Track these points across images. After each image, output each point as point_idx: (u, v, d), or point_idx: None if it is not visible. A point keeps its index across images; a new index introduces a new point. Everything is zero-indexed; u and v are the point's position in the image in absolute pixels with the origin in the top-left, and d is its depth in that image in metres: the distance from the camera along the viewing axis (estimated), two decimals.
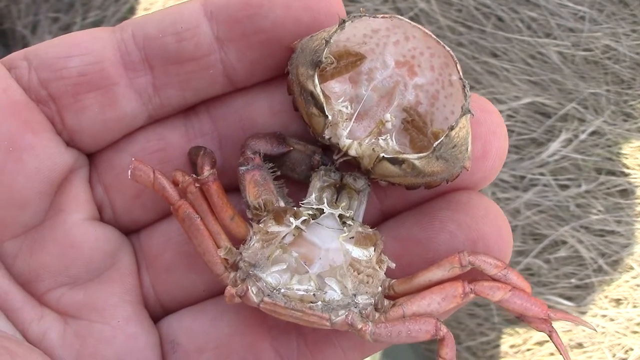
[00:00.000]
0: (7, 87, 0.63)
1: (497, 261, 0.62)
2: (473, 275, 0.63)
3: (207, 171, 0.64)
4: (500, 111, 1.70)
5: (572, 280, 1.64)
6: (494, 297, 0.62)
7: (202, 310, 0.69)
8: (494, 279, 0.62)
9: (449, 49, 0.62)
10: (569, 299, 1.63)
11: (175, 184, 0.65)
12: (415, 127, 0.66)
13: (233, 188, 0.68)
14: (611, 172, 1.71)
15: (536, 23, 1.79)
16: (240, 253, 0.64)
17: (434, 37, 0.63)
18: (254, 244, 0.64)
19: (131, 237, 0.71)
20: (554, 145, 1.70)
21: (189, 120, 0.69)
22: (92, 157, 0.70)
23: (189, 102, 0.68)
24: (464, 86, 0.61)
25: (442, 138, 0.59)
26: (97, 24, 1.78)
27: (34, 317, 0.65)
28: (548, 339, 1.49)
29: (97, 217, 0.69)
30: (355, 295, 0.61)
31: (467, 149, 0.62)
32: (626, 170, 1.71)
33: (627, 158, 1.72)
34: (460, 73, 0.61)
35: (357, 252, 0.62)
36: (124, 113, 0.66)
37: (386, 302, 0.64)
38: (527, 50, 1.77)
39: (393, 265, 0.64)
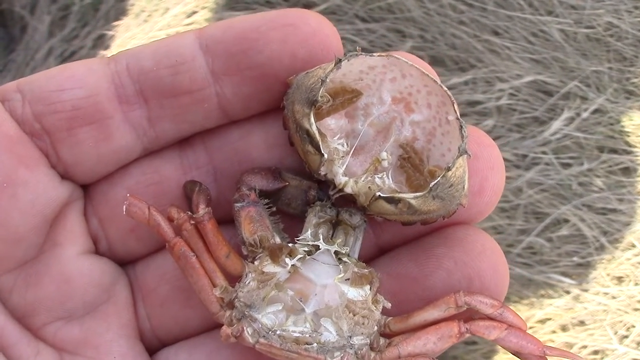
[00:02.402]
0: (1, 122, 0.63)
1: (493, 301, 0.62)
2: (469, 312, 0.63)
3: (202, 209, 0.64)
4: (502, 90, 1.70)
5: (574, 259, 1.64)
6: (490, 336, 0.62)
7: (198, 345, 0.69)
8: (489, 318, 0.62)
9: (446, 88, 0.61)
10: (570, 276, 1.63)
11: (170, 220, 0.64)
12: (411, 164, 0.65)
13: (228, 221, 0.67)
14: (613, 150, 1.70)
15: (538, 0, 1.77)
16: (236, 291, 0.64)
17: (431, 76, 0.62)
18: (249, 283, 0.63)
19: (127, 268, 0.71)
20: (556, 124, 1.69)
21: (184, 152, 0.69)
22: (87, 188, 0.69)
23: (184, 134, 0.68)
24: (461, 126, 0.60)
25: (439, 178, 0.59)
26: (95, 4, 1.77)
27: (30, 353, 0.65)
28: (550, 317, 1.50)
29: (92, 250, 0.69)
30: (350, 337, 0.61)
31: (463, 187, 0.61)
32: (628, 148, 1.70)
33: (629, 136, 1.71)
34: (458, 113, 0.61)
35: (353, 293, 0.62)
36: (119, 146, 0.66)
37: (382, 340, 0.64)
38: (529, 28, 1.76)
39: (389, 305, 0.64)
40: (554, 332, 1.61)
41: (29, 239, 0.64)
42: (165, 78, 0.64)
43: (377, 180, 0.64)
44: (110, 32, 1.76)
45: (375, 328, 0.63)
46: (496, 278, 0.65)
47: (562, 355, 0.64)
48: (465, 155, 0.60)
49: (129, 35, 1.75)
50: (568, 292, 1.62)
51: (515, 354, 0.63)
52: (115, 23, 1.77)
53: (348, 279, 0.63)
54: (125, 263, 0.71)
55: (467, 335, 0.62)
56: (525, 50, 1.74)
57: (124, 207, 0.63)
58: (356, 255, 0.66)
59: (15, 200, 0.63)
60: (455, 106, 0.61)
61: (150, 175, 0.69)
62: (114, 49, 1.73)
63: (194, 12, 1.77)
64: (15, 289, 0.65)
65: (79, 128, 0.64)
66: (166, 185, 0.69)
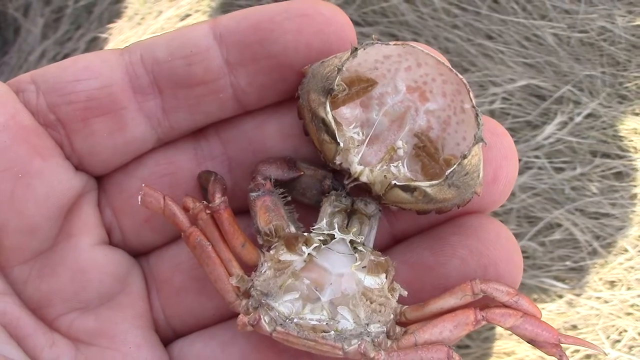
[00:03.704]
0: (16, 113, 0.63)
1: (508, 288, 0.62)
2: (484, 301, 0.63)
3: (218, 199, 0.64)
4: (495, 94, 1.70)
5: (567, 263, 1.64)
6: (506, 324, 0.62)
7: (213, 335, 0.69)
8: (505, 306, 0.62)
9: (461, 76, 0.62)
10: (563, 281, 1.63)
11: (185, 210, 0.65)
12: (426, 153, 0.66)
13: (243, 211, 0.67)
14: (606, 155, 1.71)
15: (531, 5, 1.78)
16: (252, 280, 0.64)
17: (447, 64, 0.62)
18: (265, 272, 0.63)
19: (140, 259, 0.71)
20: (549, 128, 1.70)
21: (199, 143, 0.69)
22: (101, 179, 0.69)
23: (198, 125, 0.68)
24: (477, 114, 0.60)
25: (455, 166, 0.59)
26: (89, 7, 1.77)
27: (45, 343, 0.64)
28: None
29: (106, 241, 0.69)
30: (367, 325, 0.61)
31: (478, 176, 0.62)
32: (621, 153, 1.71)
33: (622, 140, 1.72)
34: (473, 101, 0.61)
35: (370, 281, 0.62)
36: (133, 137, 0.66)
37: (398, 329, 0.64)
38: (523, 32, 1.76)
39: (405, 293, 0.64)
40: None
41: (43, 230, 0.64)
42: (179, 68, 0.64)
43: (392, 169, 0.64)
44: (104, 35, 1.75)
45: (392, 316, 0.64)
46: (511, 266, 0.65)
47: (577, 343, 0.64)
48: (481, 144, 0.60)
49: (122, 38, 1.75)
50: (561, 297, 1.62)
51: (530, 342, 0.63)
52: (109, 26, 1.76)
53: (365, 267, 0.63)
54: (139, 254, 0.71)
55: (484, 322, 0.62)
56: (519, 54, 1.74)
57: (139, 197, 0.64)
58: (371, 244, 0.66)
59: (30, 190, 0.63)
60: (471, 94, 0.62)
61: (164, 165, 0.69)
62: None
63: (188, 16, 1.77)
64: (30, 280, 0.65)
65: (93, 119, 0.64)
66: (180, 176, 0.69)
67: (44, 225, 0.64)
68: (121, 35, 1.75)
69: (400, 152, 0.66)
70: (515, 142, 1.65)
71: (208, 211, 0.64)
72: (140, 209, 0.65)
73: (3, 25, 1.78)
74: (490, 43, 1.75)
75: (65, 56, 1.72)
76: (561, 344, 0.63)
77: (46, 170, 0.63)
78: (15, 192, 0.62)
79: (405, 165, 0.65)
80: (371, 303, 0.62)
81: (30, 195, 0.63)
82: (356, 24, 1.75)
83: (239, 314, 0.64)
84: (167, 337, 0.71)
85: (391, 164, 0.65)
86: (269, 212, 0.65)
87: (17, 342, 0.63)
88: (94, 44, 1.74)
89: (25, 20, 1.76)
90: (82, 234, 0.67)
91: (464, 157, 0.59)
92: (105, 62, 0.65)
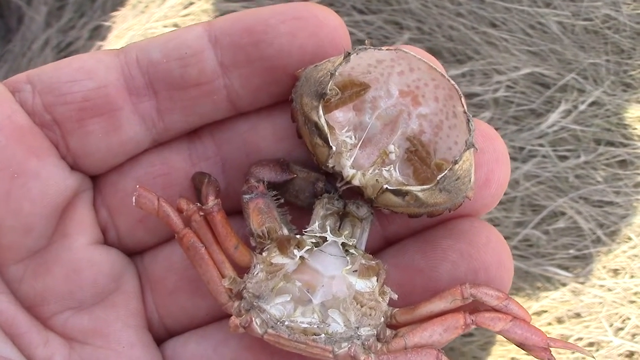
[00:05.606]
0: (12, 113, 0.63)
1: (498, 293, 0.62)
2: (474, 304, 0.63)
3: (211, 201, 0.64)
4: (499, 82, 1.70)
5: (571, 251, 1.64)
6: (495, 328, 0.62)
7: (206, 335, 0.70)
8: (495, 309, 0.63)
9: (453, 82, 0.62)
10: (567, 269, 1.63)
11: (179, 211, 0.65)
12: (418, 157, 0.66)
13: (236, 212, 0.68)
14: (610, 143, 1.70)
15: None
16: (244, 282, 0.64)
17: (439, 70, 0.63)
18: (257, 274, 0.64)
19: (135, 259, 0.72)
20: (553, 116, 1.69)
21: (193, 144, 0.69)
22: (96, 179, 0.70)
23: (192, 126, 0.68)
24: (469, 120, 0.61)
25: (446, 171, 0.60)
26: None
27: (39, 341, 0.65)
28: (546, 309, 1.50)
29: (101, 241, 0.69)
30: (358, 328, 0.62)
31: (470, 180, 0.62)
32: (625, 141, 1.70)
33: (626, 128, 1.71)
34: (465, 107, 0.61)
35: (361, 285, 0.63)
36: (128, 138, 0.66)
37: (388, 331, 0.64)
38: (527, 20, 1.76)
39: (395, 296, 0.65)
40: (549, 324, 1.61)
41: (39, 229, 0.65)
42: (174, 70, 0.65)
43: (384, 172, 0.64)
44: (107, 23, 1.75)
45: (382, 319, 0.64)
46: (501, 270, 0.65)
47: (566, 347, 0.65)
48: (472, 149, 0.60)
49: (125, 27, 1.74)
50: (564, 285, 1.63)
51: (519, 345, 0.64)
52: (112, 14, 1.76)
53: (356, 271, 0.63)
54: (133, 253, 0.72)
55: (473, 326, 0.63)
56: (523, 42, 1.74)
57: (134, 198, 0.64)
58: (363, 247, 0.67)
59: (26, 190, 0.63)
60: (463, 100, 0.62)
61: (158, 166, 0.69)
62: (111, 40, 1.72)
63: (191, 3, 1.76)
64: (25, 279, 0.66)
65: (88, 119, 0.65)
66: (174, 177, 0.69)
67: (39, 225, 0.65)
68: (125, 23, 1.75)
69: (392, 156, 0.66)
70: (519, 130, 1.66)
71: (201, 213, 0.65)
72: (135, 209, 0.65)
73: (6, 13, 1.79)
74: (494, 31, 1.74)
75: (69, 44, 1.72)
76: (550, 348, 0.63)
77: (42, 170, 0.64)
78: (11, 191, 0.63)
79: (397, 169, 0.65)
80: (362, 307, 0.62)
81: (26, 194, 0.63)
82: (360, 12, 1.75)
83: (231, 315, 0.64)
84: (161, 337, 0.71)
85: (383, 168, 0.65)
86: (262, 215, 0.65)
87: (12, 340, 0.64)
88: (97, 32, 1.74)
89: (28, 8, 1.75)
90: (77, 234, 0.67)
91: (455, 162, 0.59)
92: (100, 63, 0.65)
